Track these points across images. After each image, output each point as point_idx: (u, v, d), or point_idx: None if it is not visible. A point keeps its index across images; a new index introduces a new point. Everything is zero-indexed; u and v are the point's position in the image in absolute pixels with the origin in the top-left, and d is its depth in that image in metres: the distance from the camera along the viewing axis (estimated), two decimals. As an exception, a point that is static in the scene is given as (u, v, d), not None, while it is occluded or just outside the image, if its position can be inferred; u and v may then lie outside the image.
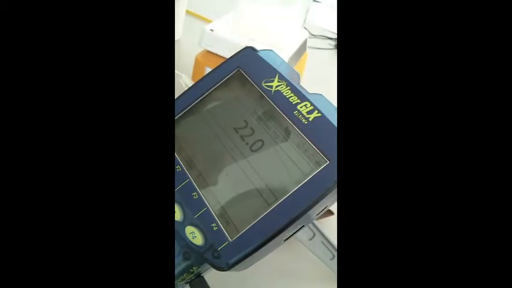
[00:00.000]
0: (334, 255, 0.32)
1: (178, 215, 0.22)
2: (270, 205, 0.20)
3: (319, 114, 0.21)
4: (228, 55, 0.26)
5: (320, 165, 0.20)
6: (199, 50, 0.49)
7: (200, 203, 0.21)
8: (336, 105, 0.20)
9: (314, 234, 0.32)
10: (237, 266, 0.20)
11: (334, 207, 0.36)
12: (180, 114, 0.25)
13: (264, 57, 0.25)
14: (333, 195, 0.20)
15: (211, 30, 0.46)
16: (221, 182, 0.22)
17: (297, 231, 0.21)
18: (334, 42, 0.85)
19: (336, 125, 0.21)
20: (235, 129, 0.23)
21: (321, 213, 0.22)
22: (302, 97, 0.22)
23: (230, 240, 0.20)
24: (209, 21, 0.60)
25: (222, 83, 0.25)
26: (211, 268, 0.21)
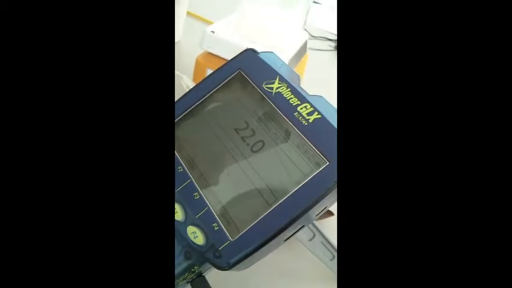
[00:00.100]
0: (334, 256, 0.32)
1: (179, 215, 0.22)
2: (270, 205, 0.20)
3: (319, 116, 0.21)
4: (229, 57, 0.26)
5: (320, 166, 0.20)
6: (200, 51, 0.49)
7: (201, 203, 0.22)
8: (336, 107, 0.20)
9: (314, 235, 0.32)
10: (237, 266, 0.20)
11: (334, 208, 0.36)
12: (182, 116, 0.25)
13: (264, 59, 0.25)
14: (333, 196, 0.20)
15: (212, 31, 0.47)
16: (222, 182, 0.22)
17: (297, 231, 0.21)
18: (334, 44, 0.86)
19: (336, 127, 0.21)
20: (236, 130, 0.23)
21: (321, 213, 0.23)
22: (302, 99, 0.22)
23: (231, 240, 0.20)
24: (210, 23, 0.61)
25: (223, 85, 0.25)
26: (213, 268, 0.22)
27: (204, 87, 0.25)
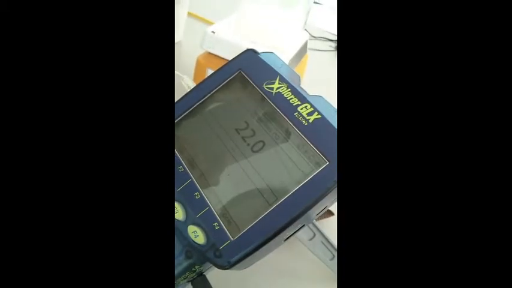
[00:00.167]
0: (334, 255, 0.32)
1: (180, 215, 0.22)
2: (270, 205, 0.20)
3: (319, 116, 0.21)
4: (229, 57, 0.26)
5: (320, 166, 0.20)
6: (201, 51, 0.49)
7: (202, 203, 0.22)
8: (336, 107, 0.20)
9: (314, 235, 0.32)
10: (238, 265, 0.20)
11: (334, 208, 0.36)
12: (183, 116, 0.25)
13: (265, 60, 0.25)
14: (333, 196, 0.20)
15: (212, 32, 0.47)
16: (223, 182, 0.22)
17: (297, 230, 0.22)
18: (334, 44, 0.86)
19: (336, 127, 0.21)
20: (236, 130, 0.23)
21: (321, 213, 0.23)
22: (302, 99, 0.22)
23: (232, 239, 0.20)
24: (211, 23, 0.61)
25: (223, 85, 0.25)
26: (213, 267, 0.22)
27: (204, 88, 0.26)
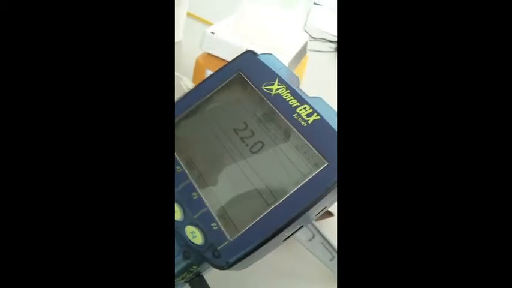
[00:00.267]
0: (333, 256, 0.32)
1: (178, 215, 0.22)
2: (269, 205, 0.20)
3: (318, 117, 0.22)
4: (228, 58, 0.26)
5: (319, 167, 0.20)
6: (200, 52, 0.49)
7: (200, 203, 0.22)
8: (336, 108, 0.20)
9: (313, 235, 0.32)
10: (236, 265, 0.20)
11: (333, 209, 0.36)
12: (182, 116, 0.25)
13: (264, 61, 0.25)
14: (332, 196, 0.20)
15: (212, 32, 0.47)
16: (221, 182, 0.22)
17: (296, 231, 0.22)
18: (334, 45, 0.86)
19: (335, 128, 0.21)
20: (235, 130, 0.23)
21: (320, 213, 0.23)
22: (301, 100, 0.22)
23: (230, 239, 0.20)
24: (210, 24, 0.61)
25: (222, 86, 0.25)
26: (211, 267, 0.22)
27: (204, 88, 0.26)
